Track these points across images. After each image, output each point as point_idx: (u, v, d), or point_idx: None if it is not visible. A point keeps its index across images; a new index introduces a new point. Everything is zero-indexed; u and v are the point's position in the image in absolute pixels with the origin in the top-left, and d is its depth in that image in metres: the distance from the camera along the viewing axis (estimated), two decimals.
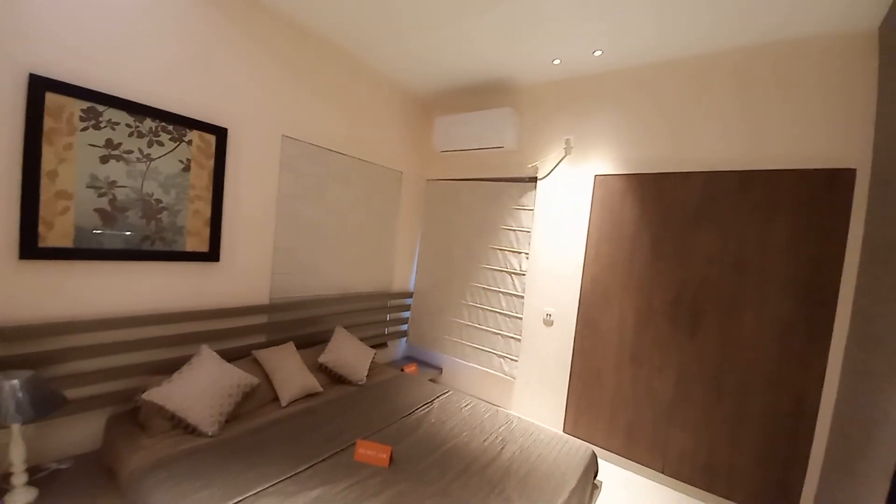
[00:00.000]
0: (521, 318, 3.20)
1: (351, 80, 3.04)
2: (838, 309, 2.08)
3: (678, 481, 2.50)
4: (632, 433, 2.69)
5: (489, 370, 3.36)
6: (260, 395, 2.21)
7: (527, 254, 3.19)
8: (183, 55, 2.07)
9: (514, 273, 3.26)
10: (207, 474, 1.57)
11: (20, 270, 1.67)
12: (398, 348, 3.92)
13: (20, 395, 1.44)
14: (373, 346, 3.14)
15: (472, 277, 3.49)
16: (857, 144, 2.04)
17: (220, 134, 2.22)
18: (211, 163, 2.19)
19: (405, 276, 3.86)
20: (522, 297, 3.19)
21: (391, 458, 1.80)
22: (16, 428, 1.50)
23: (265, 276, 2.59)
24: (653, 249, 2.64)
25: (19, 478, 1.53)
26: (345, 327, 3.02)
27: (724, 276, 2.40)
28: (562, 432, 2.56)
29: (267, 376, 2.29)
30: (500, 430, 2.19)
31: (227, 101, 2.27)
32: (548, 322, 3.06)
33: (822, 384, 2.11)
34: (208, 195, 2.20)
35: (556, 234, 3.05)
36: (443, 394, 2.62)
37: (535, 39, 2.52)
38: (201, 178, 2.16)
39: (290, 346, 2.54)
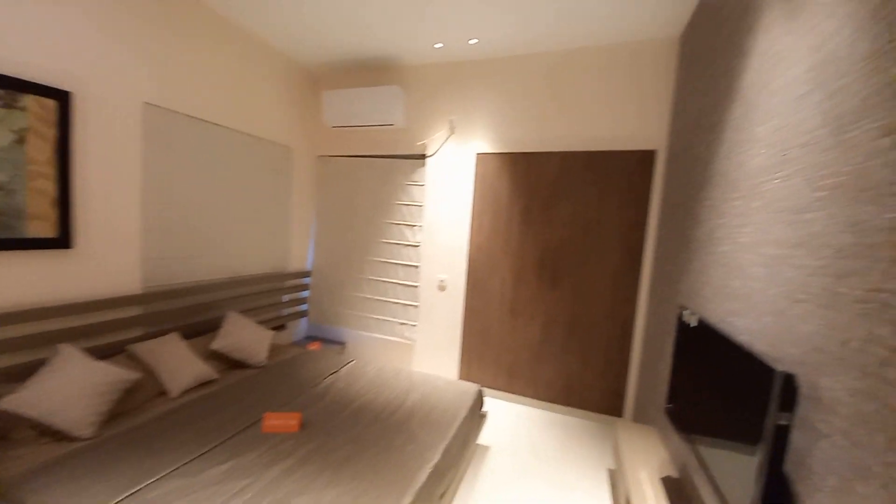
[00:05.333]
0: (417, 286, 3.48)
1: (229, 47, 2.79)
2: (644, 256, 2.81)
3: (546, 402, 3.13)
4: (512, 372, 3.23)
5: (391, 338, 3.59)
6: (145, 390, 2.07)
7: (420, 226, 3.44)
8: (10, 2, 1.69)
9: (409, 245, 3.49)
10: (95, 472, 1.48)
11: None
12: (299, 328, 3.88)
13: None
14: (272, 329, 3.08)
15: (370, 251, 3.62)
16: (658, 130, 2.73)
17: (62, 99, 1.89)
18: (53, 132, 1.87)
19: (302, 255, 3.79)
20: (418, 266, 3.46)
21: (301, 423, 1.91)
22: None
23: (133, 262, 2.34)
24: (523, 218, 3.13)
25: None
26: (239, 312, 2.90)
27: (575, 237, 3.00)
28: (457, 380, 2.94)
29: (150, 370, 2.13)
30: (404, 384, 2.45)
31: (70, 60, 1.93)
32: (442, 287, 3.40)
33: (635, 312, 2.86)
34: (52, 171, 1.88)
35: (446, 207, 3.35)
36: (348, 362, 2.77)
37: (418, 22, 2.68)
38: (43, 151, 1.83)
39: (174, 336, 2.37)
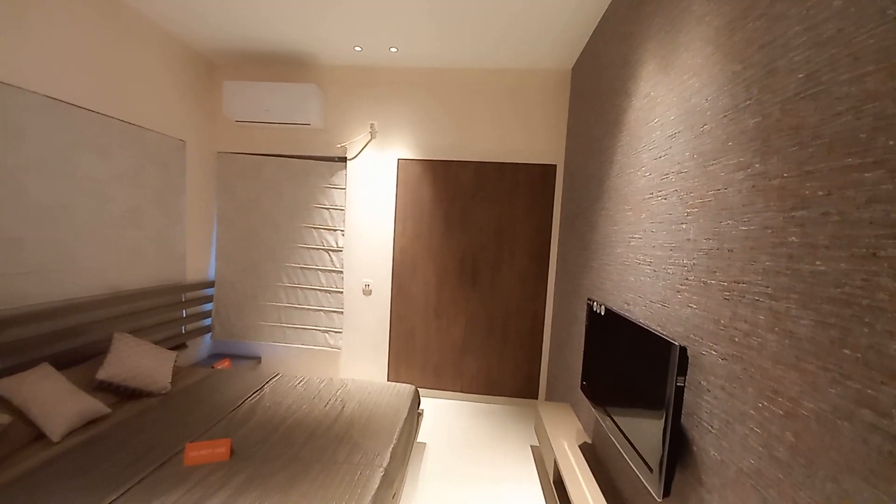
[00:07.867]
0: (341, 292, 3.39)
1: (101, 18, 2.36)
2: (550, 257, 3.22)
3: (471, 394, 3.35)
4: (439, 370, 3.38)
5: (314, 347, 3.43)
6: (15, 436, 1.67)
7: (342, 231, 3.36)
8: None
9: (331, 250, 3.38)
10: None
11: None
12: (201, 347, 3.44)
13: None
14: (170, 349, 2.70)
15: (286, 258, 3.41)
16: (557, 148, 3.15)
17: None
18: None
19: (202, 265, 3.37)
20: (341, 272, 3.38)
21: (231, 450, 1.76)
22: None
23: None
24: (445, 223, 3.30)
25: None
26: (127, 332, 2.48)
27: (490, 240, 3.27)
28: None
29: (19, 411, 1.72)
30: (338, 393, 2.40)
31: None
32: (367, 292, 3.37)
33: (545, 306, 3.25)
34: None
35: (369, 211, 3.34)
36: (272, 378, 2.58)
37: (336, 24, 2.63)
38: None
39: (46, 367, 1.95)
